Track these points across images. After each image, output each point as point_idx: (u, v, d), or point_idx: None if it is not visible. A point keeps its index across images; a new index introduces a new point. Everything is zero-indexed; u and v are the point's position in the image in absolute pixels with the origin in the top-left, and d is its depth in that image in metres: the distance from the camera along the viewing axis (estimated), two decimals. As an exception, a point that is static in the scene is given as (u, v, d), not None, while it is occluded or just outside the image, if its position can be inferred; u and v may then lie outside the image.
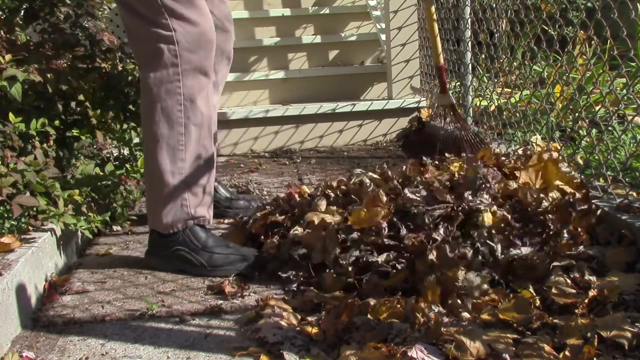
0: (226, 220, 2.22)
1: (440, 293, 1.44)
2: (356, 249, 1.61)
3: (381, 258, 1.57)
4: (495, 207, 1.63)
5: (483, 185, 1.69)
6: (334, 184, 2.03)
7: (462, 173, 1.81)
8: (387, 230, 1.64)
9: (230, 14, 2.06)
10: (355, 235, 1.65)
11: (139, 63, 1.76)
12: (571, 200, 1.66)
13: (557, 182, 1.76)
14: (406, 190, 1.72)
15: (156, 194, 1.77)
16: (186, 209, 1.77)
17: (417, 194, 1.69)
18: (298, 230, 1.77)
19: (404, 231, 1.62)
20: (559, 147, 2.06)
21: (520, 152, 2.00)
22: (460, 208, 1.63)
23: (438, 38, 2.66)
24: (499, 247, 1.54)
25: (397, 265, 1.56)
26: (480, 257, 1.53)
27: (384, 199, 1.73)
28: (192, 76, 1.70)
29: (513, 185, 1.75)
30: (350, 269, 1.58)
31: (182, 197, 1.76)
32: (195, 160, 1.76)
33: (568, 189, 1.74)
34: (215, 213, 1.94)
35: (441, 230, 1.59)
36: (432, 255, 1.52)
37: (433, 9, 2.65)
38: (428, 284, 1.45)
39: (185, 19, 1.66)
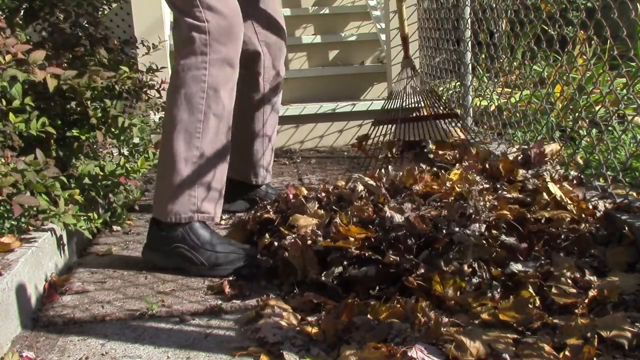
0: (224, 219, 2.22)
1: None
2: (338, 265, 1.60)
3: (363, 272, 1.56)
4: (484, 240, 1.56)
5: (473, 217, 1.62)
6: (330, 187, 2.03)
7: (459, 185, 1.79)
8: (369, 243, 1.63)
9: (280, 9, 2.18)
10: (336, 254, 1.62)
11: (175, 50, 1.81)
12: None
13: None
14: (386, 208, 1.69)
15: (167, 181, 1.77)
16: (193, 200, 1.77)
17: (397, 212, 1.66)
18: (288, 237, 1.74)
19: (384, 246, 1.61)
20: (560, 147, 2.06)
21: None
22: (443, 237, 1.58)
23: (404, 8, 2.71)
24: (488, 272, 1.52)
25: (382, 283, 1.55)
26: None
27: (370, 209, 1.73)
28: (218, 66, 1.74)
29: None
30: (335, 282, 1.57)
31: (192, 187, 1.76)
32: (210, 151, 1.77)
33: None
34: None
35: (423, 255, 1.57)
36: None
37: None
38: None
39: (217, 11, 1.73)
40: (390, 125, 2.74)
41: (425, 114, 2.74)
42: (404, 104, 2.73)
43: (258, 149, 2.24)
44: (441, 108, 2.73)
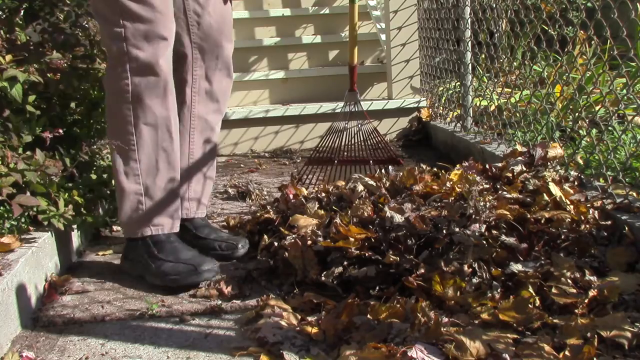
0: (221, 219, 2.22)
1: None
2: (338, 265, 1.60)
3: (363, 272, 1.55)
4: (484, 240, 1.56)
5: (473, 217, 1.61)
6: (330, 187, 2.03)
7: (459, 185, 1.79)
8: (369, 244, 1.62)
9: (230, 16, 1.90)
10: (336, 254, 1.62)
11: None
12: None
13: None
14: (386, 208, 1.69)
15: (116, 196, 1.74)
16: (142, 213, 1.71)
17: (397, 212, 1.65)
18: (288, 237, 1.74)
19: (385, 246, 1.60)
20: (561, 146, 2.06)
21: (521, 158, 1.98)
22: (443, 238, 1.58)
23: (355, 38, 2.61)
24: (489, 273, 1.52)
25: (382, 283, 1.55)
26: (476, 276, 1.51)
27: (370, 210, 1.73)
28: (140, 74, 1.64)
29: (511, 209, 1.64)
30: (335, 282, 1.57)
31: (139, 200, 1.71)
32: (152, 162, 1.69)
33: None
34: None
35: (424, 255, 1.57)
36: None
37: (356, 6, 2.58)
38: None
39: (136, 15, 1.61)
40: (326, 167, 2.56)
41: (367, 157, 2.56)
42: (343, 144, 2.56)
43: (181, 173, 1.88)
44: (384, 151, 2.58)
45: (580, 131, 2.46)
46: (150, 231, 1.73)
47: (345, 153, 2.57)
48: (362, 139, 2.60)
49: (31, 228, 1.75)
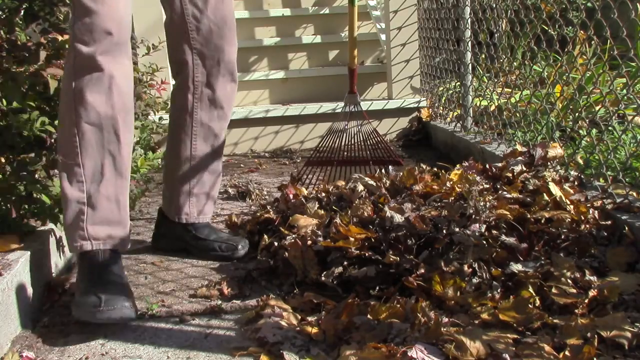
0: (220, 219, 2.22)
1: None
2: (338, 265, 1.59)
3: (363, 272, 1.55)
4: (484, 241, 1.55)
5: (473, 217, 1.60)
6: (330, 187, 2.03)
7: (459, 185, 1.79)
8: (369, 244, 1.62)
9: (232, 18, 1.82)
10: (336, 254, 1.62)
11: None
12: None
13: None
14: (386, 208, 1.68)
15: (62, 203, 1.59)
16: (82, 224, 1.55)
17: (397, 212, 1.65)
18: (288, 237, 1.73)
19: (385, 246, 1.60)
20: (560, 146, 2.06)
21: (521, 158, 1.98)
22: (443, 238, 1.57)
23: (355, 40, 2.59)
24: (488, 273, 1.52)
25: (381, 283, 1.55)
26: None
27: (370, 210, 1.73)
28: (84, 70, 1.52)
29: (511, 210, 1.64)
30: (335, 282, 1.57)
31: (80, 209, 1.54)
32: (97, 167, 1.54)
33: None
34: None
35: (424, 254, 1.56)
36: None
37: (355, 9, 2.56)
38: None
39: (83, 8, 1.49)
40: (325, 167, 2.53)
41: (367, 157, 2.53)
42: (342, 145, 2.54)
43: (182, 179, 1.87)
44: (385, 152, 2.54)
45: (580, 131, 2.46)
46: (90, 246, 1.55)
47: (345, 153, 2.57)
48: (361, 139, 2.59)
49: (32, 225, 1.75)
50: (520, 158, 1.98)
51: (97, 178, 1.55)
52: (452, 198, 1.74)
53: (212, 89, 1.81)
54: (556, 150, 1.98)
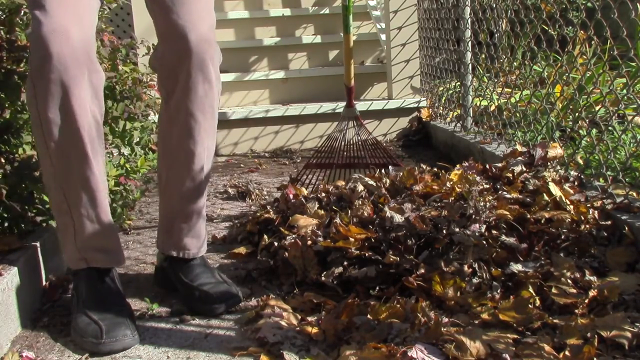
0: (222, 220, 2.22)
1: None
2: (338, 265, 1.59)
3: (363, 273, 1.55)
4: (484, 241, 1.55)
5: (473, 217, 1.59)
6: (330, 187, 2.03)
7: (459, 185, 1.79)
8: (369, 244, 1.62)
9: (200, 16, 1.52)
10: (336, 254, 1.62)
11: None
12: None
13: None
14: (386, 208, 1.68)
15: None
16: (72, 246, 1.49)
17: (397, 212, 1.65)
18: (288, 237, 1.73)
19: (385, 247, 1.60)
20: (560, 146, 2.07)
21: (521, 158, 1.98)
22: (443, 238, 1.57)
23: (352, 61, 2.56)
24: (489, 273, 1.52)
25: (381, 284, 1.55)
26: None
27: (370, 210, 1.73)
28: (42, 81, 1.35)
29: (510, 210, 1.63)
30: (335, 282, 1.57)
31: (69, 230, 1.48)
32: (73, 184, 1.43)
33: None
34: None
35: (424, 255, 1.56)
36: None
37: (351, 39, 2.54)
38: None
39: (38, 4, 1.35)
40: (325, 170, 2.49)
41: (364, 156, 2.49)
42: (342, 150, 2.50)
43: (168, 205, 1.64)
44: (386, 157, 2.49)
45: (580, 131, 2.46)
46: (85, 263, 1.50)
47: (345, 153, 2.56)
48: (361, 147, 2.56)
49: (31, 228, 1.75)
50: (520, 158, 1.98)
51: (77, 198, 1.45)
52: (452, 198, 1.74)
53: (185, 95, 1.52)
54: (556, 150, 1.98)
